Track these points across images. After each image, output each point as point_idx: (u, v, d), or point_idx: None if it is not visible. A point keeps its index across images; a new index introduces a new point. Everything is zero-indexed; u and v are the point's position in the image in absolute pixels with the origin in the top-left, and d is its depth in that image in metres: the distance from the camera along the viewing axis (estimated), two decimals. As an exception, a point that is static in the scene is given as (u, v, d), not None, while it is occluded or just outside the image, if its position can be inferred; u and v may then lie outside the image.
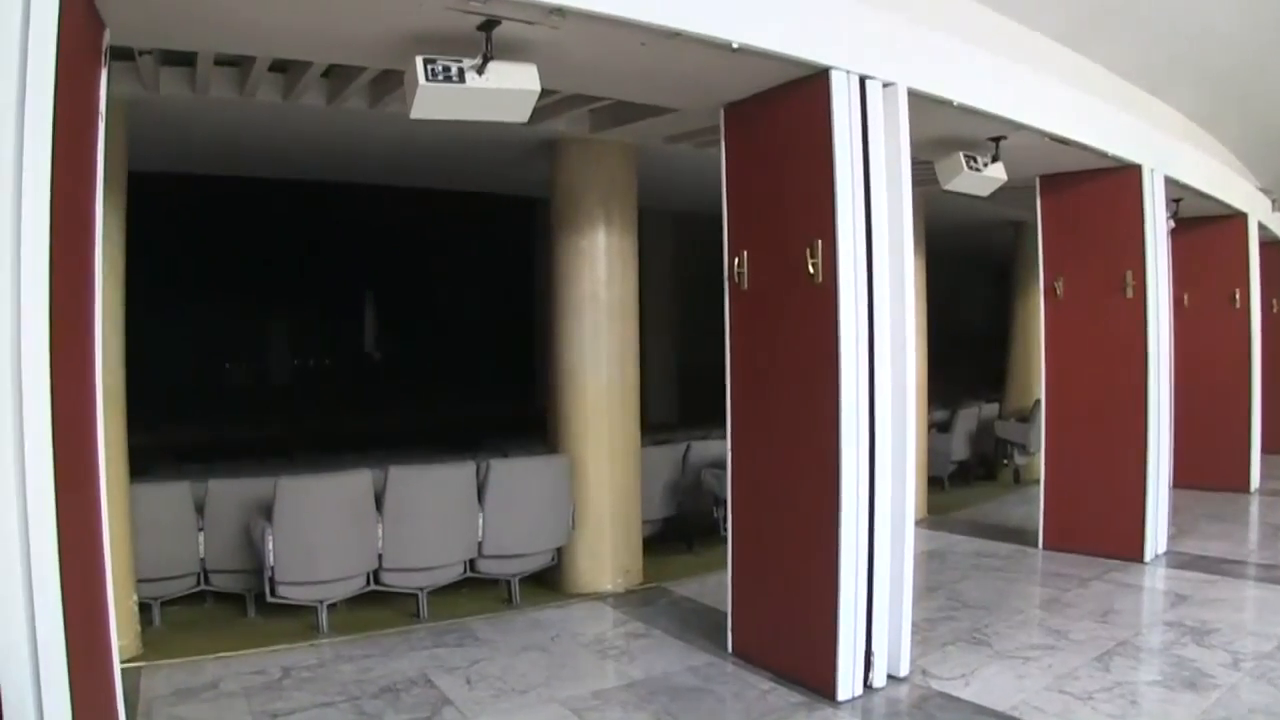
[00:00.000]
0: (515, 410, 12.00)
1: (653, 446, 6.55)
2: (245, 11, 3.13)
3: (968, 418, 9.45)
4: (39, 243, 2.28)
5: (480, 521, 5.38)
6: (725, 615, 4.41)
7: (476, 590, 5.59)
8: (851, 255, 3.73)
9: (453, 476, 5.34)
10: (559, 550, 5.75)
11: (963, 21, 4.85)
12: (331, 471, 5.15)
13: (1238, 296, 8.18)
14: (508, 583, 5.57)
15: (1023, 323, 10.25)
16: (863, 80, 3.82)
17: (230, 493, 5.17)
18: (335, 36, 3.47)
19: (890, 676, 3.94)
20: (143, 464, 6.31)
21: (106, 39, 3.02)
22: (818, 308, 3.79)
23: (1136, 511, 5.84)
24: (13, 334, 2.23)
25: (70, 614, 2.33)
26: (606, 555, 5.80)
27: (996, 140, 4.98)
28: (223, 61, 4.49)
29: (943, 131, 4.76)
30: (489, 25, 3.14)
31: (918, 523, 5.60)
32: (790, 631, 4.03)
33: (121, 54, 4.22)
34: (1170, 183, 6.21)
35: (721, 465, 6.62)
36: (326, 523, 4.93)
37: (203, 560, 5.14)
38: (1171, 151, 6.42)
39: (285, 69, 4.63)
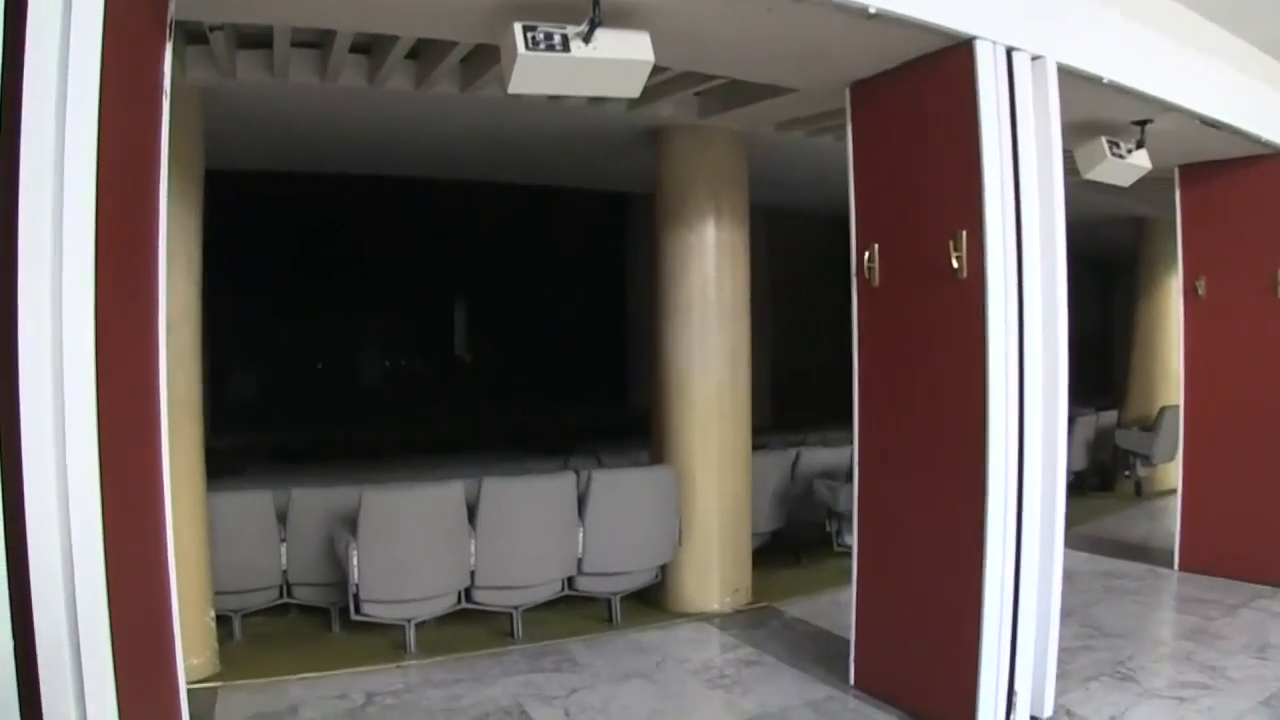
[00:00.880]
0: (608, 414, 11.71)
1: (761, 454, 6.16)
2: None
3: (1085, 425, 8.77)
4: (82, 238, 2.01)
5: (580, 536, 5.05)
6: (845, 642, 4.10)
7: (574, 608, 5.27)
8: (1000, 247, 3.40)
9: (551, 489, 5.01)
10: (663, 567, 5.40)
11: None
12: (420, 481, 4.88)
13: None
14: (608, 601, 5.24)
15: (1146, 326, 9.70)
16: (1009, 52, 3.48)
17: (313, 502, 4.93)
18: (421, 2, 3.17)
19: (1033, 718, 3.57)
20: (236, 464, 6.26)
21: (171, 10, 2.74)
22: (961, 305, 3.47)
23: (1289, 532, 5.32)
24: (53, 335, 1.97)
25: (121, 635, 2.11)
26: (714, 573, 5.46)
27: (1142, 124, 4.61)
28: (301, 44, 4.24)
29: (1083, 114, 4.30)
30: (597, -13, 2.80)
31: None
32: (922, 663, 3.70)
33: (195, 37, 4.00)
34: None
35: (835, 475, 6.27)
36: (415, 538, 4.64)
37: (285, 572, 4.91)
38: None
39: (369, 50, 4.37)
